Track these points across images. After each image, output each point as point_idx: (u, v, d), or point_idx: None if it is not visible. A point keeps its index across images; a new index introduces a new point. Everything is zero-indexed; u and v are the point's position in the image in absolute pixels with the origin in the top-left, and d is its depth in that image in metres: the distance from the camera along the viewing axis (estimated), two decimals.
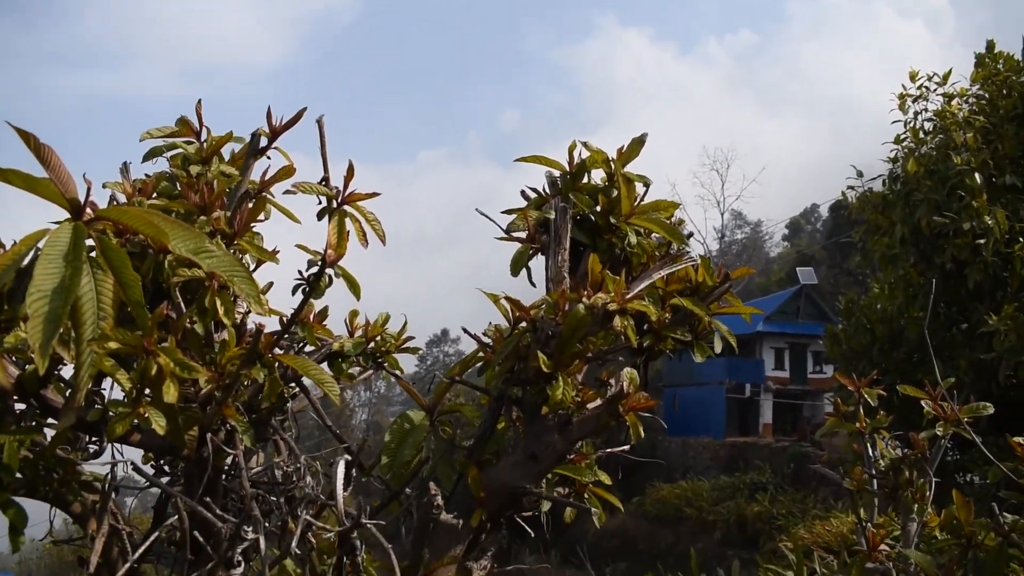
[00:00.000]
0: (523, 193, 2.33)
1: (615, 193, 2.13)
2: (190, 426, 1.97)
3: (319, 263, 1.99)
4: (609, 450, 2.34)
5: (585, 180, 2.27)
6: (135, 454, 2.26)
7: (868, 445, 3.52)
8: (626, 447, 2.32)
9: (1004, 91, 10.32)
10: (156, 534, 2.21)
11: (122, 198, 2.33)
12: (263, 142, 2.40)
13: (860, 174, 10.63)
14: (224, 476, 2.26)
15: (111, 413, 1.82)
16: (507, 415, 2.03)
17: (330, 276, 2.05)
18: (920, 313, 9.91)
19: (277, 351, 2.22)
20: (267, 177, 2.32)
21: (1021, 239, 8.67)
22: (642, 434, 1.93)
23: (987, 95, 10.36)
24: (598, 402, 1.96)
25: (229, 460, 2.25)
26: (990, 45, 11.01)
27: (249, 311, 2.21)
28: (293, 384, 2.46)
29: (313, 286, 2.03)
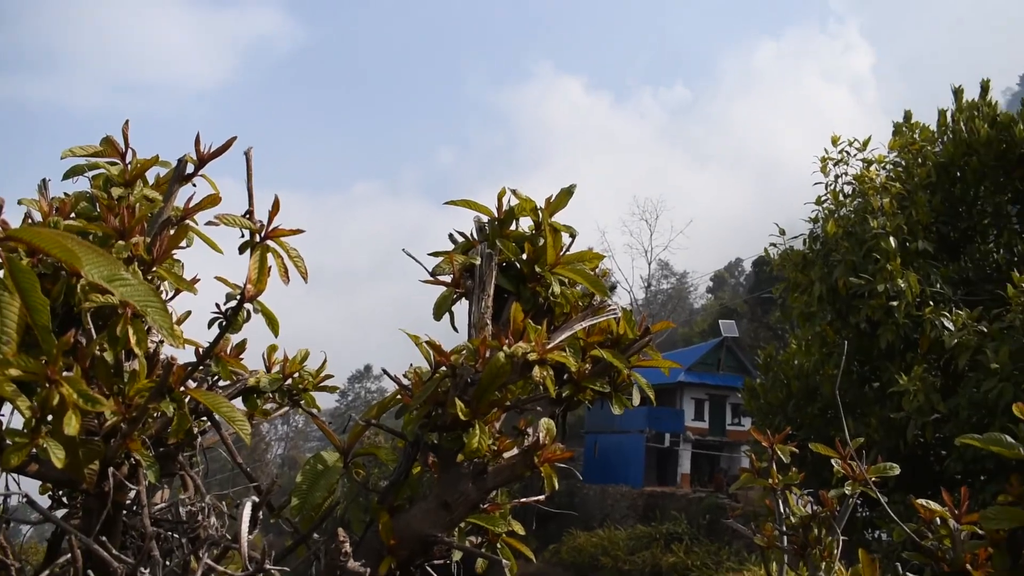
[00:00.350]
0: (451, 236, 2.33)
1: (542, 242, 2.15)
2: (91, 459, 1.89)
3: (237, 297, 1.95)
4: (524, 500, 2.33)
5: (513, 227, 2.28)
6: (34, 484, 2.16)
7: (780, 501, 3.57)
8: (541, 497, 2.31)
9: (919, 160, 10.78)
10: (47, 572, 2.11)
11: (38, 216, 2.25)
12: (190, 168, 2.35)
13: (782, 232, 10.95)
14: (125, 512, 2.18)
15: (8, 442, 1.74)
16: (422, 461, 2.00)
17: (248, 311, 2.01)
18: (835, 370, 10.17)
19: (191, 383, 2.16)
20: (191, 204, 2.27)
21: (931, 303, 8.99)
22: (556, 486, 1.92)
23: (903, 163, 10.81)
24: (515, 451, 1.95)
25: (131, 495, 2.17)
26: (907, 115, 11.52)
27: (163, 340, 2.15)
28: (205, 418, 2.40)
29: (230, 321, 1.99)
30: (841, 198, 10.45)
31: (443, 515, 1.92)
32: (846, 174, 10.70)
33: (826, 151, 10.82)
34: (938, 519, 2.57)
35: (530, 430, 1.96)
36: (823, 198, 10.68)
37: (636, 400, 2.25)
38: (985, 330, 8.16)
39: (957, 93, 11.26)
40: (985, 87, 11.23)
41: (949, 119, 11.16)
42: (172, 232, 2.24)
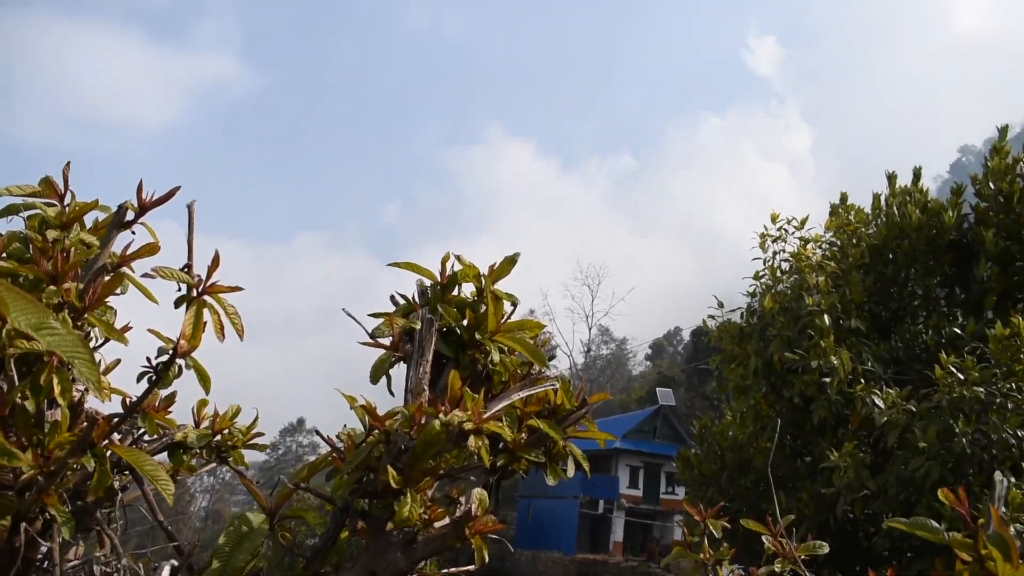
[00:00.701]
0: (392, 298, 2.32)
1: (483, 309, 2.15)
2: (3, 514, 1.81)
3: (169, 352, 1.90)
4: (454, 570, 2.29)
5: (455, 293, 2.28)
6: None
7: None
8: (471, 567, 2.28)
9: (853, 241, 11.11)
10: None
11: None
12: (130, 215, 2.31)
13: (721, 304, 11.13)
14: (35, 570, 2.08)
15: None
16: (351, 527, 1.96)
17: (180, 366, 1.96)
18: (768, 443, 10.28)
19: (115, 436, 2.09)
20: (128, 252, 2.22)
21: (863, 380, 9.18)
22: (487, 558, 1.90)
23: (839, 243, 11.13)
24: (446, 521, 1.92)
25: (43, 551, 2.07)
26: (843, 197, 11.92)
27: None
28: (127, 472, 2.32)
29: (160, 376, 1.94)
30: (778, 274, 10.70)
31: None
32: (784, 251, 10.97)
33: (765, 228, 11.11)
34: None
35: (463, 499, 1.94)
36: (761, 273, 10.92)
37: (571, 471, 2.24)
38: (914, 409, 8.34)
39: (891, 178, 11.69)
40: (917, 174, 11.69)
41: (883, 203, 11.56)
42: (107, 279, 2.19)
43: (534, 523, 47.59)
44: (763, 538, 3.30)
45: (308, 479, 2.23)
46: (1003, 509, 6.99)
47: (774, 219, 11.11)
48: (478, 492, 1.89)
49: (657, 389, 51.45)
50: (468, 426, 1.77)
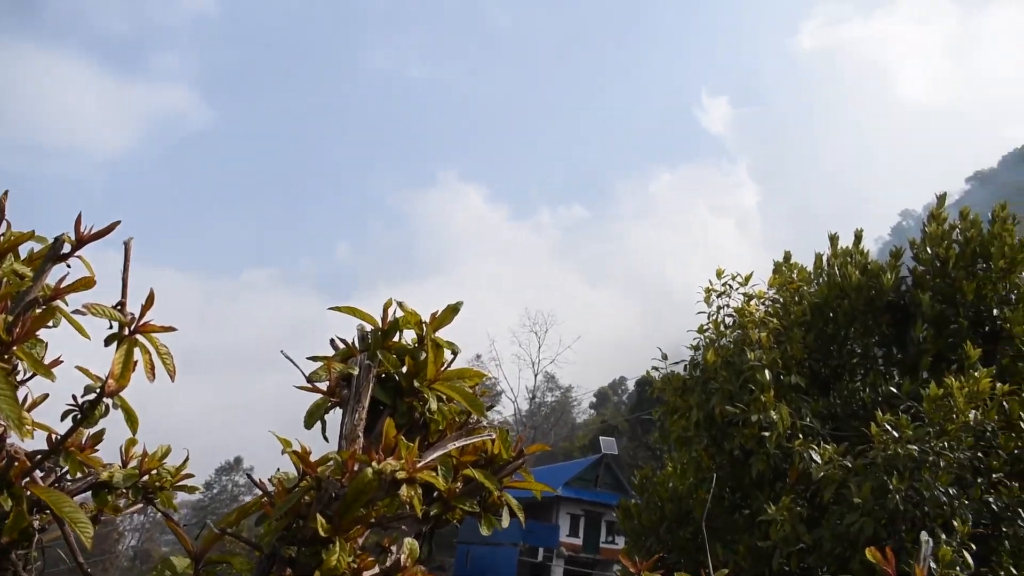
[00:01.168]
0: (332, 342, 2.30)
1: (423, 357, 2.14)
2: None
3: (97, 391, 1.86)
4: None
5: (397, 339, 2.27)
6: None
7: None
8: None
9: (796, 299, 11.33)
10: None
11: None
12: (66, 247, 2.26)
13: (665, 356, 11.21)
14: None
15: None
16: (279, 574, 1.91)
17: (107, 405, 1.91)
18: (707, 495, 10.32)
19: (39, 473, 2.03)
20: (63, 285, 2.17)
21: (801, 436, 9.29)
22: None
23: (781, 300, 11.33)
24: (375, 571, 1.89)
25: None
26: (786, 256, 12.17)
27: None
28: (48, 511, 2.24)
29: (86, 415, 1.89)
30: (722, 328, 10.83)
31: None
32: (728, 306, 11.12)
33: (710, 282, 11.26)
34: None
35: (394, 548, 1.91)
36: (705, 327, 11.04)
37: (505, 522, 2.22)
38: (850, 465, 8.46)
39: (833, 239, 11.99)
40: (858, 236, 12.00)
41: (825, 263, 11.83)
42: (38, 312, 2.13)
43: (472, 570, 47.00)
44: None
45: (237, 523, 2.18)
46: (933, 566, 7.07)
47: (719, 274, 11.28)
48: (409, 542, 1.87)
49: (600, 438, 51.51)
50: (401, 475, 1.75)
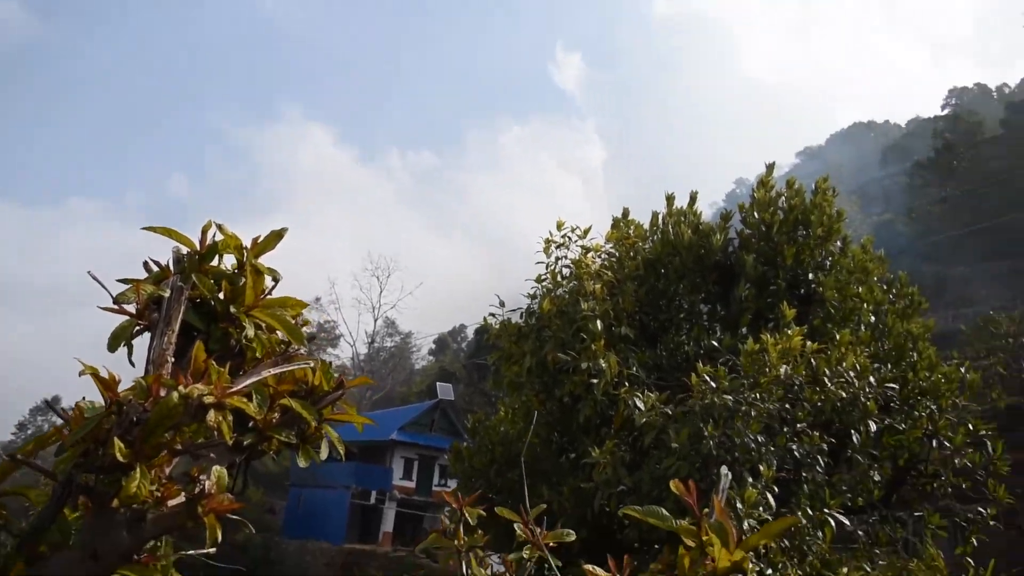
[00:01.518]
0: (145, 264, 2.18)
1: (242, 282, 2.06)
2: None
3: None
4: (190, 552, 2.18)
5: (216, 264, 2.17)
6: None
7: (464, 563, 3.64)
8: (211, 549, 2.18)
9: (631, 254, 11.70)
10: None
11: None
12: None
13: (502, 304, 11.34)
14: None
15: None
16: (73, 504, 1.81)
17: None
18: (536, 439, 10.62)
19: None
20: None
21: (627, 384, 9.67)
22: (219, 537, 1.82)
23: (617, 254, 11.67)
24: (180, 498, 1.82)
25: None
26: (625, 212, 12.52)
27: None
28: None
29: None
30: (559, 279, 11.03)
31: (90, 565, 1.74)
32: (566, 258, 11.33)
33: (550, 234, 11.43)
34: None
35: (203, 478, 1.85)
36: (543, 277, 11.22)
37: (324, 454, 2.20)
38: (670, 412, 8.90)
39: (669, 199, 12.44)
40: (693, 197, 12.51)
41: (660, 221, 12.27)
42: None
43: (304, 513, 46.67)
44: (515, 526, 3.42)
45: (34, 453, 2.05)
46: (739, 506, 7.53)
47: (559, 226, 11.47)
48: (217, 470, 1.81)
49: (437, 384, 51.97)
50: (209, 400, 1.68)
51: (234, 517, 1.91)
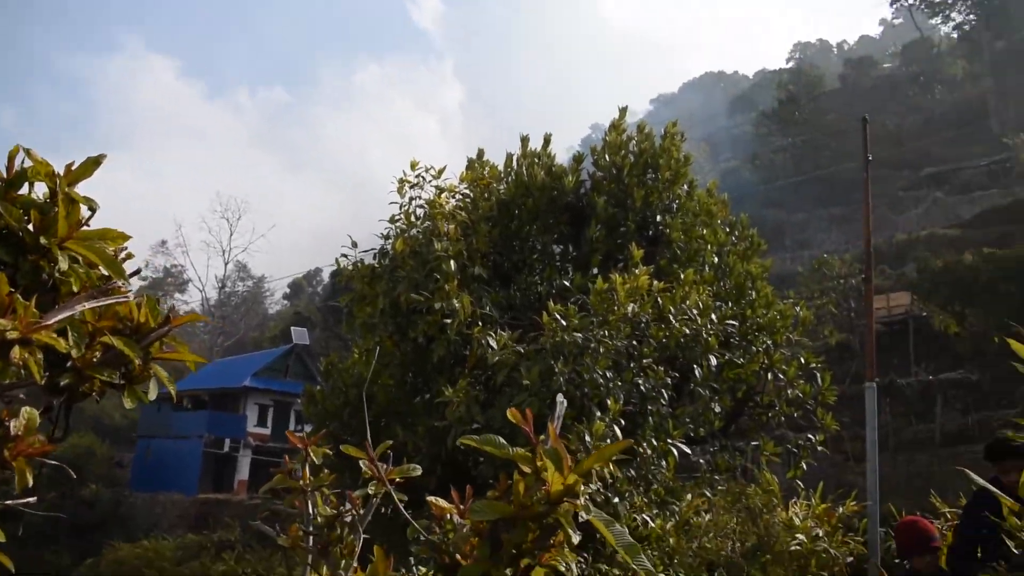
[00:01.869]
0: None
1: (54, 212, 1.91)
2: None
3: None
4: (8, 502, 2.05)
5: (26, 192, 2.01)
6: None
7: (309, 502, 3.62)
8: (31, 500, 2.05)
9: (485, 195, 11.72)
10: None
11: None
12: None
13: (355, 244, 11.16)
14: None
15: None
16: None
17: None
18: (390, 380, 10.61)
19: None
20: None
21: (480, 323, 9.77)
22: (30, 482, 1.71)
23: (471, 195, 11.67)
24: None
25: None
26: (479, 153, 12.50)
27: None
28: None
29: None
30: (413, 219, 10.94)
31: None
32: (420, 198, 11.22)
33: (404, 173, 11.28)
34: (448, 515, 2.75)
35: (12, 422, 1.72)
36: (397, 217, 11.10)
37: (153, 394, 2.09)
38: (522, 351, 9.07)
39: (524, 140, 12.50)
40: (547, 140, 12.62)
41: (515, 163, 12.33)
42: None
43: (154, 464, 45.14)
44: (360, 463, 3.40)
45: None
46: (588, 439, 7.75)
47: (413, 166, 11.32)
48: (26, 411, 1.69)
49: (292, 328, 50.96)
50: (12, 335, 1.56)
51: (52, 462, 1.81)
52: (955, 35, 76.73)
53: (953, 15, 74.13)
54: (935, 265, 37.41)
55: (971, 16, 73.29)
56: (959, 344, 33.83)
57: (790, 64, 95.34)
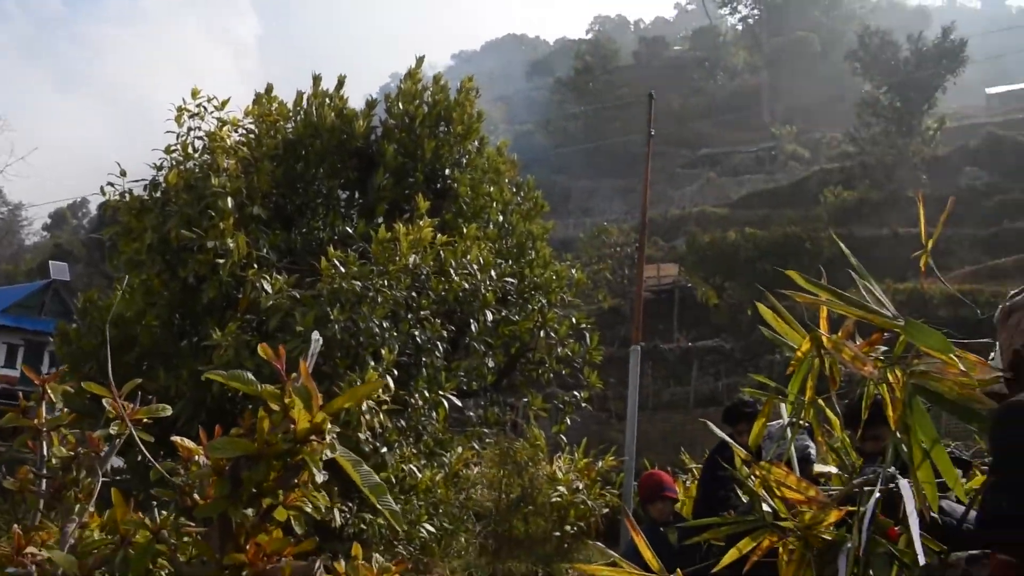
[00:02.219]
0: None
1: None
2: None
3: None
4: None
5: None
6: None
7: (44, 443, 3.35)
8: None
9: (271, 132, 11.22)
10: None
11: None
12: None
13: (124, 173, 10.28)
14: None
15: None
16: None
17: None
18: (156, 321, 10.02)
19: None
20: None
21: (256, 266, 9.40)
22: None
23: (256, 131, 11.12)
24: None
25: None
26: (268, 88, 11.92)
27: None
28: None
29: None
30: (191, 151, 10.27)
31: None
32: (200, 129, 10.54)
33: (184, 101, 10.55)
34: (195, 456, 2.63)
35: None
36: (173, 148, 10.37)
37: None
38: (298, 296, 8.84)
39: (316, 79, 12.09)
40: (341, 81, 12.26)
41: (305, 101, 11.89)
42: None
43: None
44: (104, 401, 3.18)
45: None
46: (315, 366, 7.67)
47: (195, 94, 10.59)
48: None
49: (50, 262, 46.94)
50: None
51: None
52: (740, 27, 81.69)
53: (740, 7, 78.84)
54: (702, 240, 40.14)
55: (755, 10, 78.41)
56: (718, 315, 36.61)
57: (589, 35, 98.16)
